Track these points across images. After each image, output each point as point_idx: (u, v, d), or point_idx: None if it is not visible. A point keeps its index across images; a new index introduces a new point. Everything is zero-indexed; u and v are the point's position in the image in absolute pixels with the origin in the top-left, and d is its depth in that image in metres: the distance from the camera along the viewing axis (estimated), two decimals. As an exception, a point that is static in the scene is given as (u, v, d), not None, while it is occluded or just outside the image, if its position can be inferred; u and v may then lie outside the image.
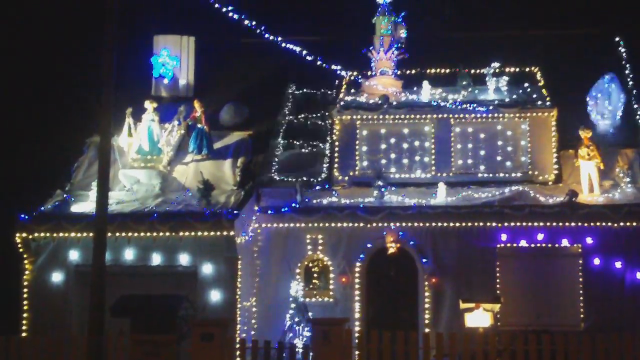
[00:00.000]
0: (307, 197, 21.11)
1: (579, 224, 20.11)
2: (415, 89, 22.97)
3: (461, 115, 21.94)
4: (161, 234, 19.24)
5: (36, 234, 19.45)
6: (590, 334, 16.37)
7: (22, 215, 19.50)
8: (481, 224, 20.35)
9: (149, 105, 21.59)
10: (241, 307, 19.44)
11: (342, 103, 22.49)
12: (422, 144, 22.05)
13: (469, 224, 20.38)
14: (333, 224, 20.69)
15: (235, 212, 19.36)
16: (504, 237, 20.31)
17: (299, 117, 23.49)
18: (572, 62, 23.89)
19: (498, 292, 19.91)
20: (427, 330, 19.30)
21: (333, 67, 22.33)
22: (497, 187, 21.11)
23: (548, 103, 21.97)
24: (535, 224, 20.23)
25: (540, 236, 20.25)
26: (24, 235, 19.44)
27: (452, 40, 25.89)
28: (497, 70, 22.99)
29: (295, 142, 22.79)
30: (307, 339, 18.35)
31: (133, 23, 24.11)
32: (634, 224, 20.00)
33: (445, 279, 20.26)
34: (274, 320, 20.00)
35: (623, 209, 20.01)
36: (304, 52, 21.68)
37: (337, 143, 22.09)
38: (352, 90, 23.24)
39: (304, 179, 21.53)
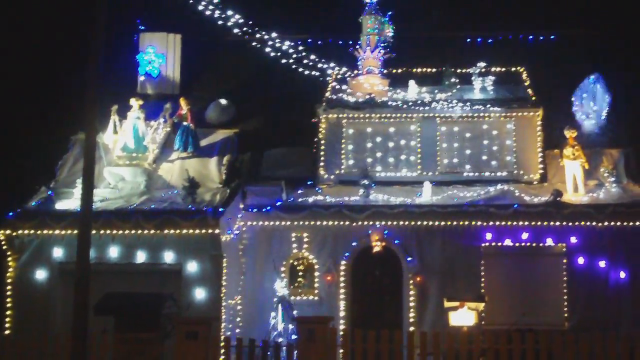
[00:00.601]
0: (293, 195, 21.11)
1: (564, 223, 20.17)
2: (401, 88, 23.01)
3: (447, 115, 21.99)
4: (146, 231, 19.19)
5: (20, 231, 19.36)
6: (574, 333, 16.47)
7: (6, 212, 19.40)
8: (466, 223, 20.38)
9: (135, 102, 21.52)
10: (226, 305, 19.42)
11: (328, 101, 22.51)
12: (408, 143, 22.10)
13: (454, 223, 20.40)
14: (318, 223, 20.67)
15: (220, 210, 19.33)
16: (488, 236, 20.35)
17: (286, 115, 23.44)
18: (558, 63, 23.99)
19: (482, 291, 19.95)
20: (411, 329, 19.32)
21: (319, 65, 22.38)
22: (483, 186, 21.17)
23: (533, 103, 22.06)
24: (520, 223, 20.28)
25: (525, 235, 20.31)
26: (8, 232, 19.34)
27: (438, 40, 25.95)
28: (483, 70, 23.07)
29: (281, 140, 22.76)
30: (292, 337, 18.34)
31: (119, 20, 24.01)
32: (618, 223, 20.08)
33: (430, 277, 20.28)
34: (259, 318, 19.98)
35: (607, 209, 20.09)
36: (291, 50, 21.66)
37: (323, 141, 22.09)
38: (339, 89, 23.24)
39: (290, 177, 21.50)
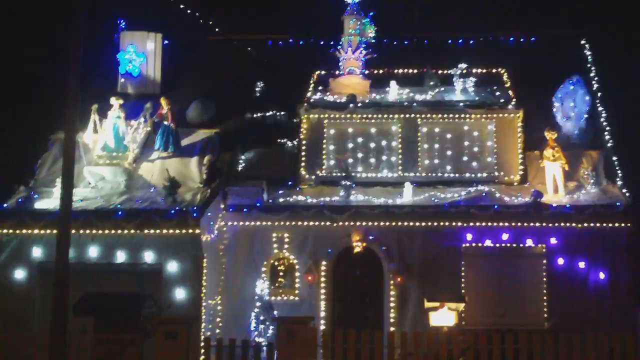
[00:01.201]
0: (274, 195, 21.07)
1: (544, 224, 20.26)
2: (382, 88, 23.04)
3: (428, 116, 22.03)
4: (126, 231, 19.10)
5: (-1, 231, 19.25)
6: (553, 333, 16.55)
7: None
8: (447, 223, 20.43)
9: (115, 102, 21.41)
10: (206, 305, 19.36)
11: (309, 102, 22.50)
12: (389, 144, 22.12)
13: (435, 224, 20.45)
14: (299, 223, 20.66)
15: (201, 210, 19.27)
16: (469, 236, 20.41)
17: (266, 115, 23.40)
18: (539, 64, 24.07)
19: (463, 291, 20.01)
20: (392, 329, 19.34)
21: (301, 65, 22.37)
22: (463, 187, 21.22)
23: (514, 104, 22.12)
24: (501, 224, 20.34)
25: (505, 236, 20.37)
26: (-14, 231, 19.22)
27: (420, 41, 25.98)
28: (464, 72, 23.12)
29: (262, 140, 22.72)
30: (272, 337, 18.31)
31: (99, 19, 23.90)
32: (598, 224, 20.18)
33: (410, 278, 20.31)
34: (240, 318, 19.93)
35: (587, 210, 20.20)
36: (272, 50, 21.65)
37: (304, 141, 22.08)
38: (320, 89, 23.25)
39: (271, 177, 21.47)
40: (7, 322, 18.57)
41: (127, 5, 25.62)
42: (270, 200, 20.95)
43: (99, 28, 23.86)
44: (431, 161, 21.95)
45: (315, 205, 20.74)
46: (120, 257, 19.18)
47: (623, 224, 20.14)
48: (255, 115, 23.38)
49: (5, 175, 22.81)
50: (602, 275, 20.09)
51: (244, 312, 19.91)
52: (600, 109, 22.90)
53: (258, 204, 20.73)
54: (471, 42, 25.58)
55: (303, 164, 21.93)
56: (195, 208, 19.28)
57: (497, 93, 22.82)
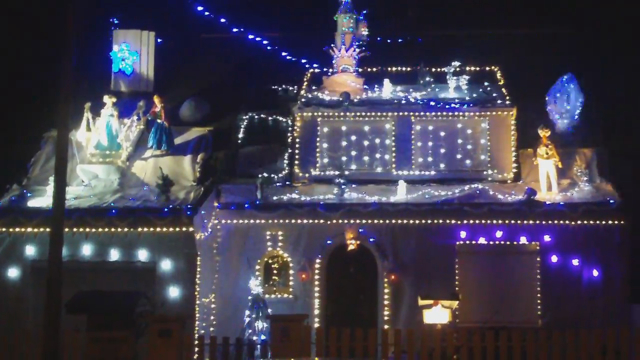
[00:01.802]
0: (268, 193, 21.04)
1: (537, 222, 20.29)
2: (376, 86, 23.04)
3: (422, 113, 22.02)
4: (119, 229, 19.10)
5: (-9, 229, 19.21)
6: (547, 330, 16.55)
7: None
8: (440, 221, 20.45)
9: (108, 100, 21.38)
10: (200, 303, 19.36)
11: (303, 99, 22.49)
12: (383, 142, 22.11)
13: (429, 221, 20.46)
14: (293, 221, 20.66)
15: (194, 208, 19.26)
16: (463, 234, 20.43)
17: (260, 113, 23.38)
18: (532, 62, 24.08)
19: (457, 289, 20.02)
20: (386, 326, 19.34)
21: (294, 63, 22.35)
22: (457, 185, 21.22)
23: (507, 102, 22.13)
24: (494, 221, 20.37)
25: (499, 234, 20.41)
26: (-21, 230, 19.18)
27: (413, 39, 25.98)
28: (457, 69, 23.12)
29: (256, 138, 22.70)
30: (266, 335, 18.30)
31: (92, 17, 23.84)
32: (591, 222, 20.22)
33: (404, 276, 20.32)
34: (233, 316, 19.92)
35: (580, 208, 20.23)
36: (266, 48, 21.62)
37: (297, 140, 22.05)
38: (314, 87, 23.24)
39: (265, 175, 21.46)
40: (0, 320, 18.54)
41: (120, 3, 25.56)
42: (265, 198, 20.92)
43: (92, 26, 23.81)
44: (425, 159, 21.94)
45: (309, 203, 20.74)
46: (114, 255, 19.17)
47: (616, 222, 20.19)
48: (248, 113, 23.34)
49: (-2, 174, 22.75)
50: (595, 273, 20.13)
51: (237, 310, 19.89)
52: (593, 106, 22.91)
53: (252, 202, 20.72)
54: (464, 39, 25.57)
55: (297, 162, 21.90)
56: (188, 206, 19.27)
57: (491, 91, 22.82)
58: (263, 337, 18.52)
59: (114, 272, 18.96)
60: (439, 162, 21.90)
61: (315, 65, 23.73)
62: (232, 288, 20.41)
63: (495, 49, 24.82)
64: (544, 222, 20.29)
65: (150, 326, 15.75)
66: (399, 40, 25.70)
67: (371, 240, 20.55)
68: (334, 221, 20.55)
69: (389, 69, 24.39)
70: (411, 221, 20.49)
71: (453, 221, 20.41)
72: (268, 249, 20.74)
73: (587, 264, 20.18)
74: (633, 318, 19.52)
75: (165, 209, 19.20)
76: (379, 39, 24.31)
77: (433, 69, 23.53)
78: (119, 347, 15.23)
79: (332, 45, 23.24)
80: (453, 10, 28.51)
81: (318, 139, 22.07)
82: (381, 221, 20.53)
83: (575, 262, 20.19)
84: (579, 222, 20.23)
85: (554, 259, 20.25)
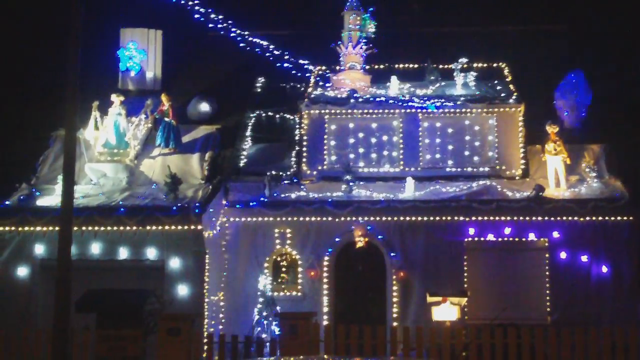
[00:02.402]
0: (276, 191, 21.05)
1: (546, 218, 20.25)
2: (383, 84, 23.02)
3: (429, 110, 21.99)
4: (128, 228, 19.10)
5: (1, 228, 19.24)
6: (556, 327, 16.51)
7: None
8: (449, 218, 20.43)
9: (116, 98, 21.42)
10: (209, 301, 19.37)
11: (310, 97, 22.47)
12: (390, 139, 22.08)
13: (437, 218, 20.45)
14: (301, 218, 20.67)
15: (202, 206, 19.27)
16: (471, 231, 20.41)
17: (268, 111, 23.40)
18: (540, 58, 24.04)
19: (465, 285, 20.00)
20: (394, 324, 19.33)
21: (302, 61, 22.34)
22: (465, 182, 21.19)
23: (515, 98, 22.07)
24: (503, 218, 20.35)
25: (507, 230, 20.38)
26: (-12, 229, 19.23)
27: (420, 36, 25.98)
28: (465, 66, 23.08)
29: (263, 136, 22.72)
30: (275, 333, 18.31)
31: (100, 15, 23.89)
32: (600, 218, 20.18)
33: (413, 273, 20.31)
34: (242, 314, 19.95)
35: (589, 204, 20.19)
36: (273, 46, 21.62)
37: (305, 137, 22.04)
38: (321, 85, 23.23)
39: (273, 173, 21.46)
40: (10, 319, 18.59)
41: (127, 1, 25.60)
42: (273, 196, 20.93)
43: (100, 25, 23.85)
44: (432, 156, 21.91)
45: (317, 200, 20.74)
46: (123, 253, 19.19)
47: (625, 218, 20.15)
48: (256, 111, 23.36)
49: (6, 173, 22.80)
50: (604, 269, 20.08)
51: (246, 308, 19.92)
52: (601, 102, 22.85)
53: (260, 200, 20.73)
54: (471, 36, 25.53)
55: (305, 159, 21.90)
56: (197, 204, 19.28)
57: (498, 87, 22.79)
58: (273, 333, 18.53)
59: (122, 270, 18.99)
60: (447, 158, 21.88)
61: (322, 63, 23.70)
62: (240, 286, 20.43)
63: (503, 45, 24.79)
64: (552, 219, 20.25)
65: (159, 324, 15.77)
66: (406, 37, 25.62)
67: (379, 237, 20.54)
68: (342, 219, 20.55)
69: (396, 66, 24.37)
70: (419, 218, 20.48)
71: (461, 218, 20.39)
72: (276, 246, 20.76)
73: (596, 260, 20.14)
74: (642, 314, 19.51)
75: (174, 207, 19.22)
76: (385, 36, 24.25)
77: (440, 66, 23.52)
78: (128, 346, 15.27)
79: (339, 42, 23.23)
80: (460, 6, 28.48)
81: (325, 137, 22.06)
82: (389, 218, 20.52)
83: (584, 258, 20.15)
84: (587, 218, 20.19)
85: (563, 255, 20.22)
